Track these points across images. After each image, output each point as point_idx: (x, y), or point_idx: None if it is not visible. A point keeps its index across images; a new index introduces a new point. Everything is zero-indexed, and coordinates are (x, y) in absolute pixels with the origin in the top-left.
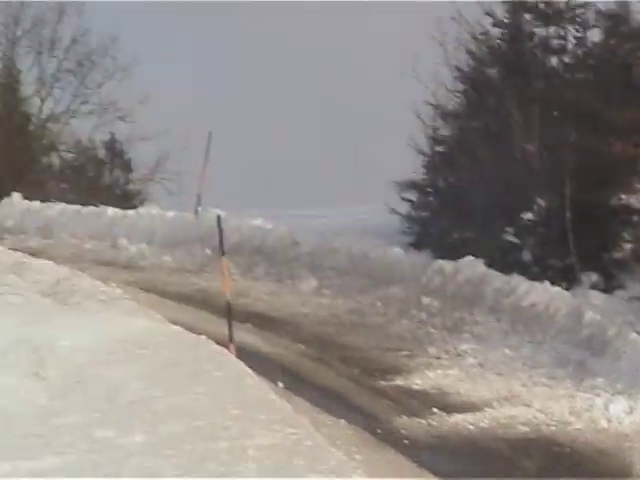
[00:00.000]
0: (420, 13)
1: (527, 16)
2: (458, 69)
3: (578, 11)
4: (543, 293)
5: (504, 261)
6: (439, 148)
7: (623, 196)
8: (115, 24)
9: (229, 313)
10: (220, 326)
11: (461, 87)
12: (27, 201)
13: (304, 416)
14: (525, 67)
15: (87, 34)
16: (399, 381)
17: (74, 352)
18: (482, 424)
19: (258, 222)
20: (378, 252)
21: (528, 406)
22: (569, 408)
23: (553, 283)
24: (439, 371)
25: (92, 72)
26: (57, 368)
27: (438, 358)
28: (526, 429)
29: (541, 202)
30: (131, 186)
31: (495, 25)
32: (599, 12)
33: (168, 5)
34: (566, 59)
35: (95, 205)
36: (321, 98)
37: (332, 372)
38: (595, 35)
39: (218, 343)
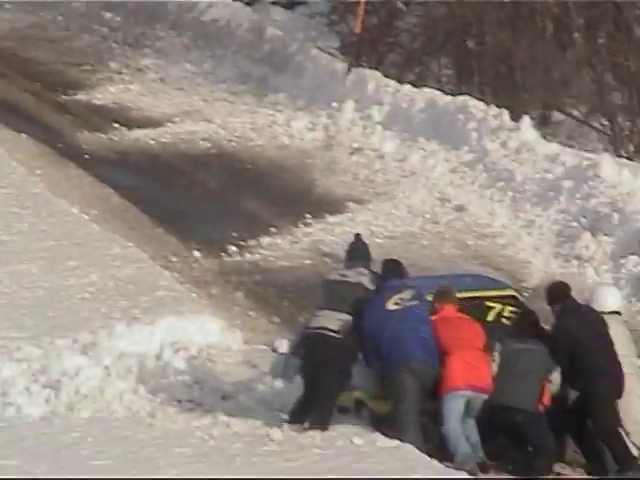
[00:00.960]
0: None
1: None
2: None
3: None
4: (225, 8)
5: None
6: None
7: None
8: None
9: None
10: None
11: None
12: None
13: None
14: None
15: None
16: (81, 96)
17: None
18: (163, 139)
19: None
20: None
21: (209, 122)
22: (250, 124)
23: None
24: (120, 86)
25: None
26: None
27: (120, 73)
28: (207, 145)
29: None
30: None
31: None
32: None
33: None
34: None
35: None
36: None
37: (14, 86)
38: None
39: None
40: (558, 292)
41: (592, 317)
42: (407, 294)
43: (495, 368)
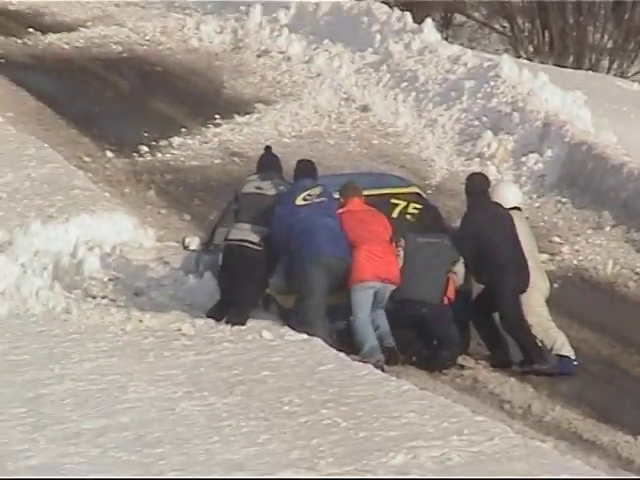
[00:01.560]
0: None
1: None
2: None
3: None
4: None
5: None
6: None
7: None
8: None
9: None
10: None
11: None
12: None
13: None
14: None
15: None
16: None
17: None
18: (77, 44)
19: None
20: None
21: (121, 26)
22: (161, 28)
23: None
24: None
25: None
26: None
27: None
28: (119, 48)
29: None
30: None
31: None
32: None
33: None
34: None
35: None
36: None
37: None
38: None
39: None
40: (475, 186)
41: (501, 213)
42: (316, 191)
43: (400, 262)
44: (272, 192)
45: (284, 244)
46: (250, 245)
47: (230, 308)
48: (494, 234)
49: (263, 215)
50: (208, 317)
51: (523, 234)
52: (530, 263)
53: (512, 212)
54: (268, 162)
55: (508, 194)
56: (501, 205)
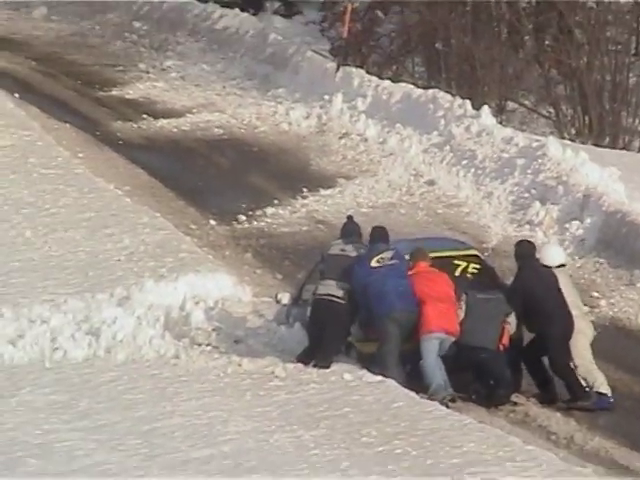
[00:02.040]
0: None
1: None
2: None
3: None
4: (234, 18)
5: None
6: None
7: None
8: None
9: None
10: None
11: None
12: None
13: (36, 121)
14: None
15: None
16: (115, 92)
17: None
18: (184, 127)
19: None
20: None
21: (222, 112)
22: (256, 114)
23: (242, 10)
24: (148, 83)
25: None
26: None
27: (147, 73)
28: (221, 131)
29: None
30: None
31: None
32: None
33: None
34: None
35: None
36: None
37: (59, 84)
38: None
39: None
40: (522, 251)
41: (544, 273)
42: (388, 254)
43: (462, 314)
44: (354, 254)
45: (361, 298)
46: (335, 299)
47: (317, 354)
48: (539, 291)
49: (346, 273)
50: (297, 361)
51: (567, 287)
52: (575, 312)
53: (558, 269)
54: (350, 229)
55: (554, 254)
56: (545, 265)
